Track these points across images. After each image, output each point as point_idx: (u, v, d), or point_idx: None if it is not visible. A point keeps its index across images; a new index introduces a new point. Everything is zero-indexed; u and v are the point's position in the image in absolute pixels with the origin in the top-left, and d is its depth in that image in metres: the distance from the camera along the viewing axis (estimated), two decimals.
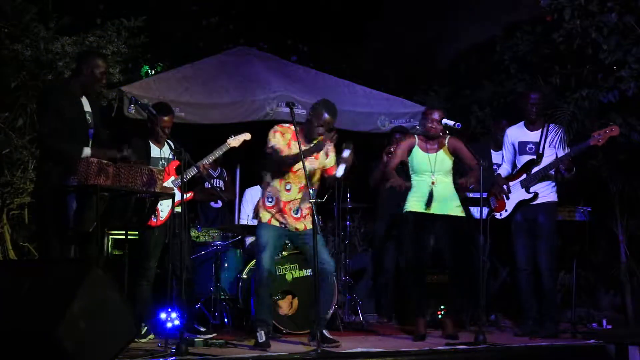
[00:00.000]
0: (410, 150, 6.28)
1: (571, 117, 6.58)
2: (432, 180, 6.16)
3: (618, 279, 7.58)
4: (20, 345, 4.03)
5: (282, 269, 6.58)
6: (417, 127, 8.25)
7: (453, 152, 6.22)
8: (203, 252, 6.97)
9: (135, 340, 5.09)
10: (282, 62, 9.23)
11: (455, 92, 9.57)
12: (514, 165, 6.64)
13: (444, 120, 6.08)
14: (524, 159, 6.52)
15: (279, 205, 5.65)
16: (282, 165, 5.61)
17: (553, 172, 6.42)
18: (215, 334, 5.97)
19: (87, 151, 5.11)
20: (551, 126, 6.48)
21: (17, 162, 7.08)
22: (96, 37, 7.38)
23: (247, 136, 6.45)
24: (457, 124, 6.02)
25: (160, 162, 6.04)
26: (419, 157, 6.24)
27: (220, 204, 7.82)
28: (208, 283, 6.86)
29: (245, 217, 7.53)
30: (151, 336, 5.86)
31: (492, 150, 7.35)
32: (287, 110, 5.78)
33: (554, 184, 6.48)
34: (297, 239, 5.86)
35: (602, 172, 7.19)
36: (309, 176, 5.50)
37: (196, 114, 7.56)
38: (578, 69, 7.16)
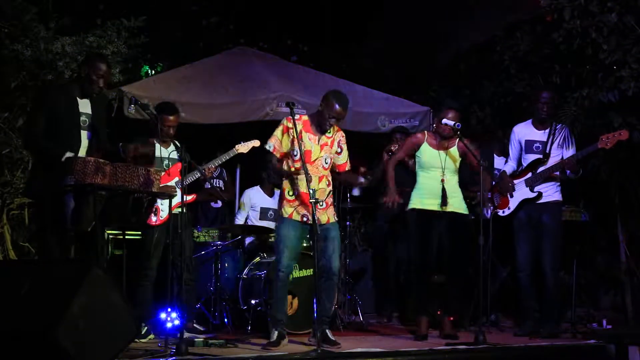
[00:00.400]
0: (418, 147, 6.27)
1: (574, 117, 6.58)
2: (442, 178, 6.16)
3: (618, 279, 7.58)
4: (20, 345, 4.03)
5: None
6: (417, 126, 8.29)
7: (462, 154, 6.23)
8: (203, 252, 6.97)
9: (135, 340, 5.08)
10: (282, 62, 9.23)
11: (455, 92, 9.56)
12: (519, 162, 6.63)
13: (444, 120, 6.08)
14: (530, 157, 6.50)
15: (301, 198, 5.61)
16: (272, 173, 5.57)
17: (558, 173, 6.41)
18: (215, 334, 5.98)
19: (69, 154, 5.06)
20: (559, 126, 6.48)
21: (17, 162, 7.09)
22: (96, 37, 7.38)
23: (256, 143, 6.39)
24: (457, 124, 6.02)
25: (165, 162, 6.05)
26: (430, 154, 6.21)
27: (220, 204, 7.82)
28: (208, 283, 6.87)
29: (242, 219, 7.53)
30: (151, 336, 5.85)
31: (495, 155, 7.35)
32: (287, 110, 5.77)
33: (558, 183, 6.47)
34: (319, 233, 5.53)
35: (602, 171, 7.18)
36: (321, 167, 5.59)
37: (196, 114, 7.54)
38: (578, 69, 7.16)
